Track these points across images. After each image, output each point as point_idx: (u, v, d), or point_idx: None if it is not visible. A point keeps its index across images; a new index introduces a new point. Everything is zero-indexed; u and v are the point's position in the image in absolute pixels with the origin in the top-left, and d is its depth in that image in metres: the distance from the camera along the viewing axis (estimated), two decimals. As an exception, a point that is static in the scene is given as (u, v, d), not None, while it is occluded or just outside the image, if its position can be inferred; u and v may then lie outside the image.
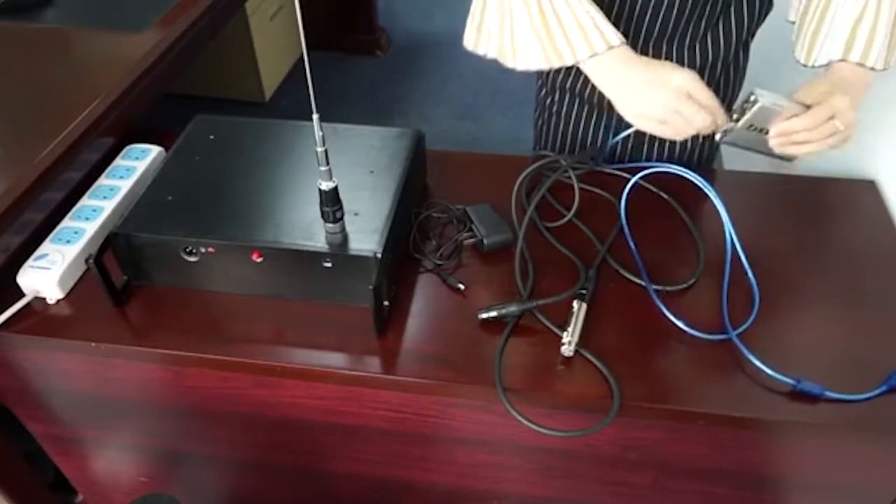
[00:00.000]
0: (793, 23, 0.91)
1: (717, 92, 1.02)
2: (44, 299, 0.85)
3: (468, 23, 0.91)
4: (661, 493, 0.89)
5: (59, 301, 0.85)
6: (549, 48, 0.82)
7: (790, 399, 0.74)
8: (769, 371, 0.75)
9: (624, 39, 0.81)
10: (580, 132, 1.10)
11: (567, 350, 0.77)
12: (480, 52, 0.91)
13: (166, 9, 1.23)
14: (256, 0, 2.32)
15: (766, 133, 0.82)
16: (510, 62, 0.87)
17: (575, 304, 0.81)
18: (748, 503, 0.90)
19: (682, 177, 0.92)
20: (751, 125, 0.82)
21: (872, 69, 0.82)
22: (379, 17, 2.79)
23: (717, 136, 0.84)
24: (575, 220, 0.93)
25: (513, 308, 0.80)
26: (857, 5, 0.81)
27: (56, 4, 1.26)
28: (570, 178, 0.93)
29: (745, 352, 0.76)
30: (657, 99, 0.80)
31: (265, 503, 1.08)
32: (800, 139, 0.81)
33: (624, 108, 0.83)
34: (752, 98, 0.80)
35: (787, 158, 0.86)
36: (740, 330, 0.79)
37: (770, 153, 0.85)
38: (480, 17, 0.89)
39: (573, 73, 1.05)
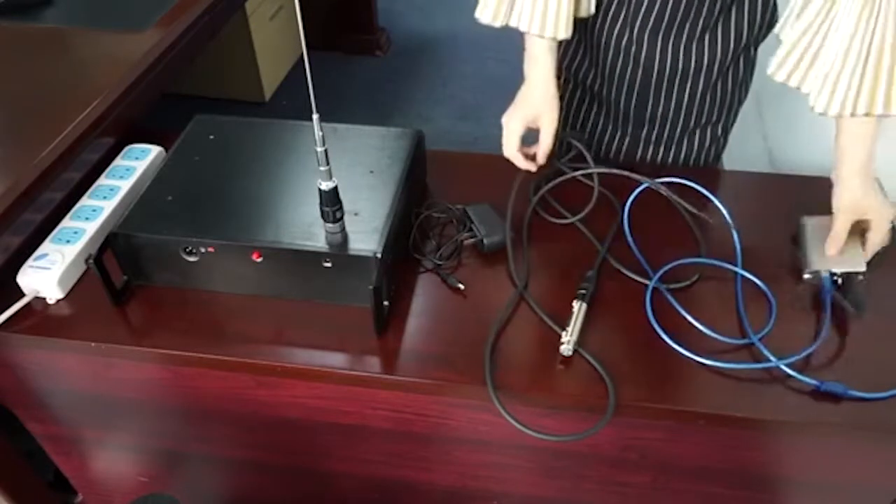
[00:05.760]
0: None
1: (714, 99, 1.02)
2: (44, 299, 0.85)
3: None
4: (661, 494, 0.89)
5: (59, 301, 0.85)
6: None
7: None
8: (791, 372, 0.75)
9: (556, 36, 0.87)
10: (578, 125, 1.11)
11: (566, 349, 0.77)
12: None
13: (166, 9, 1.23)
14: (256, 0, 2.32)
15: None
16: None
17: (575, 303, 0.81)
18: (750, 503, 0.90)
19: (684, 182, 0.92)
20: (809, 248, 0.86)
21: (853, 115, 0.77)
22: (379, 17, 2.78)
23: (806, 277, 0.85)
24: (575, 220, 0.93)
25: None
26: (830, 56, 0.76)
27: (56, 4, 1.26)
28: (589, 180, 0.94)
29: (769, 354, 0.76)
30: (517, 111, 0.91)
31: (265, 503, 1.08)
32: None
33: None
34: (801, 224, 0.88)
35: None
36: (762, 334, 0.79)
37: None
38: None
39: (577, 58, 1.07)
